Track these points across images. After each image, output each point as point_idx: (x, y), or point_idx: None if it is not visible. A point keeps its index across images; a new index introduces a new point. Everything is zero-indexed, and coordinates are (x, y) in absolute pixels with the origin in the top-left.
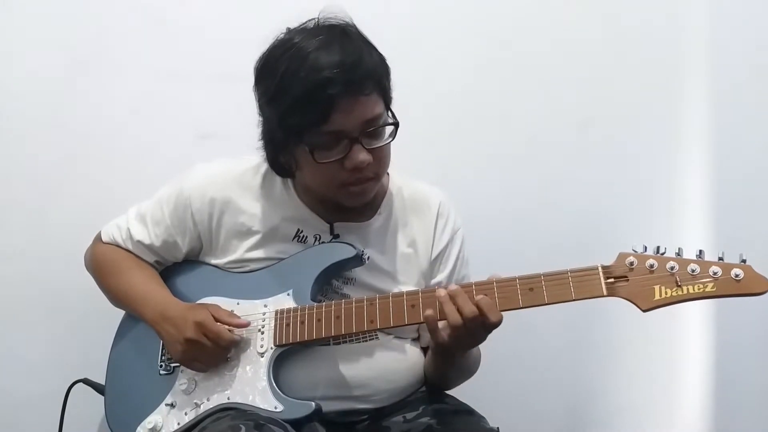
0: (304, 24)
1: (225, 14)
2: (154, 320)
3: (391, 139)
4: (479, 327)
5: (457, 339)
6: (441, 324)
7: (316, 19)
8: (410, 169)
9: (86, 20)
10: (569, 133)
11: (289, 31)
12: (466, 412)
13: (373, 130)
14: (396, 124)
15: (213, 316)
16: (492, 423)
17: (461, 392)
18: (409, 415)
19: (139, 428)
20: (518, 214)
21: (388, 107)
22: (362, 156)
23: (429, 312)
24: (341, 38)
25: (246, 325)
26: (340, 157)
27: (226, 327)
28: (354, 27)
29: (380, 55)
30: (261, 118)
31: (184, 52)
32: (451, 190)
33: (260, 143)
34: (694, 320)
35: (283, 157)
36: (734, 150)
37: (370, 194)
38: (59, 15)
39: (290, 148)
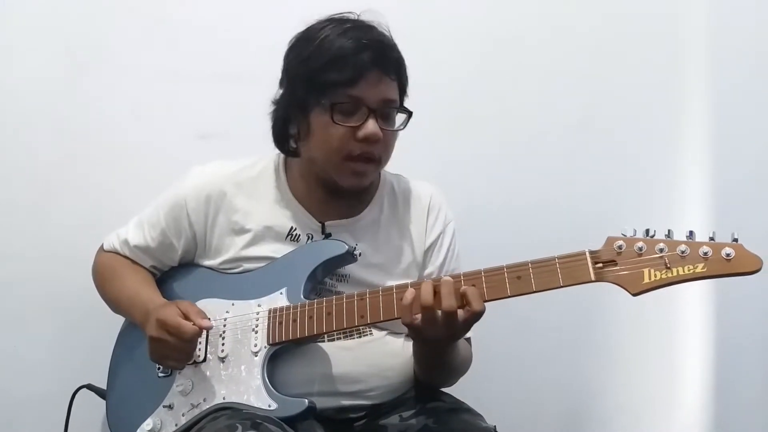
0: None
1: (225, 14)
2: (141, 322)
3: (402, 127)
4: (452, 314)
5: (428, 321)
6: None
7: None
8: (410, 167)
9: (86, 20)
10: (569, 132)
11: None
12: (463, 410)
13: (388, 112)
14: (409, 114)
15: (182, 312)
16: (489, 421)
17: (458, 390)
18: (406, 414)
19: (138, 431)
20: (517, 213)
21: (401, 105)
22: (375, 128)
23: (407, 295)
24: (378, 29)
25: (209, 327)
26: (355, 125)
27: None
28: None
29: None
30: (280, 90)
31: (184, 52)
32: (450, 189)
33: (268, 133)
34: (693, 319)
35: (295, 125)
36: (734, 150)
37: (368, 179)
38: (59, 15)
39: (309, 109)
